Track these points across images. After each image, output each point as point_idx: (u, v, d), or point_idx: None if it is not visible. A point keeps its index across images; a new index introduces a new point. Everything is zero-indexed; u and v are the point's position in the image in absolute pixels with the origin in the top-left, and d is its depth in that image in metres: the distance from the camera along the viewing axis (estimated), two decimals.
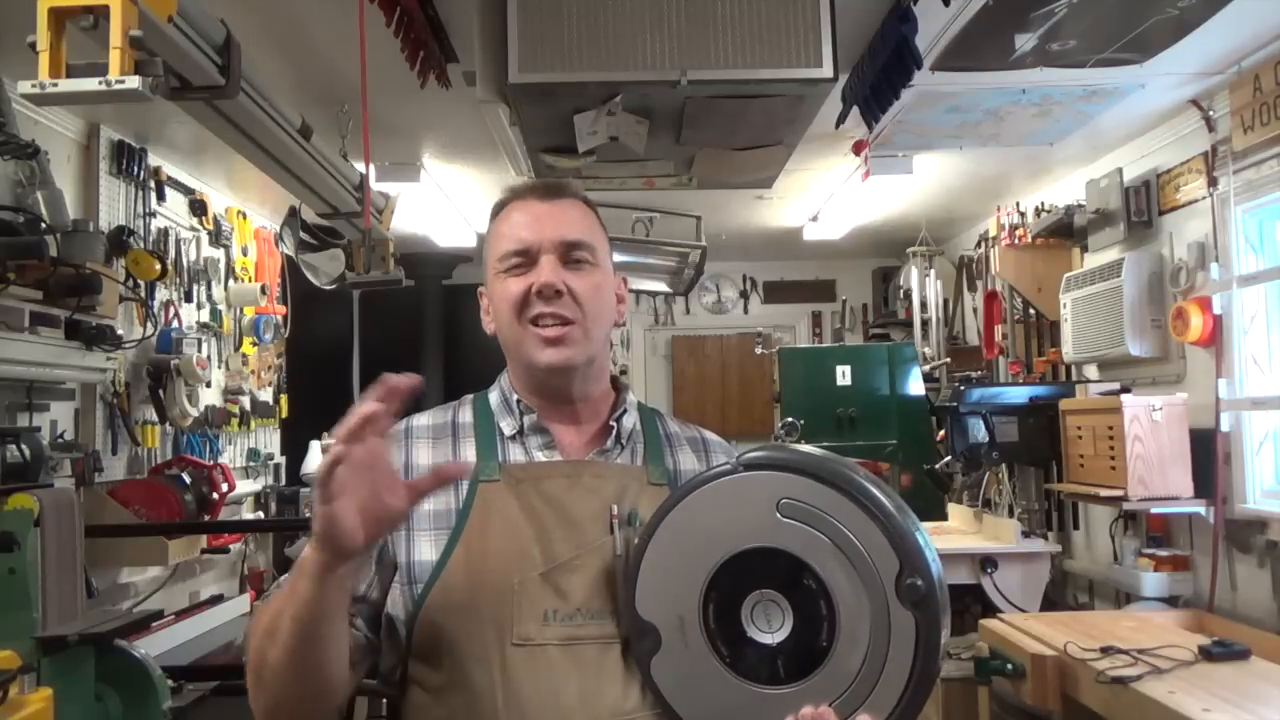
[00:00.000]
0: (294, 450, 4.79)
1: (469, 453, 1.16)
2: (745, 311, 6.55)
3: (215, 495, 3.61)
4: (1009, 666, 2.28)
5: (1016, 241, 4.37)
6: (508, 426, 1.17)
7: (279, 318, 4.55)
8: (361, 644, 1.08)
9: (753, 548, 1.00)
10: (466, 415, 1.21)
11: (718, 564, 1.00)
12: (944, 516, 4.05)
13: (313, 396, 5.04)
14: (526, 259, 1.14)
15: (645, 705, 1.04)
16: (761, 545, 1.00)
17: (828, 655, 0.97)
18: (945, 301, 5.16)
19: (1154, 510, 3.30)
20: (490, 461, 1.14)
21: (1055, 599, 3.81)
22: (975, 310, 5.16)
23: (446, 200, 4.32)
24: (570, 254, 1.14)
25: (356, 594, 1.08)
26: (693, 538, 1.02)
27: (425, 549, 1.09)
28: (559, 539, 1.08)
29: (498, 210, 1.21)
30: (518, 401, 1.18)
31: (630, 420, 1.21)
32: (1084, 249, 4.02)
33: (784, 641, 0.99)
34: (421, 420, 1.20)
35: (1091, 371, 3.95)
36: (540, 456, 1.16)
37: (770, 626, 0.99)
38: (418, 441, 1.17)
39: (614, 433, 1.18)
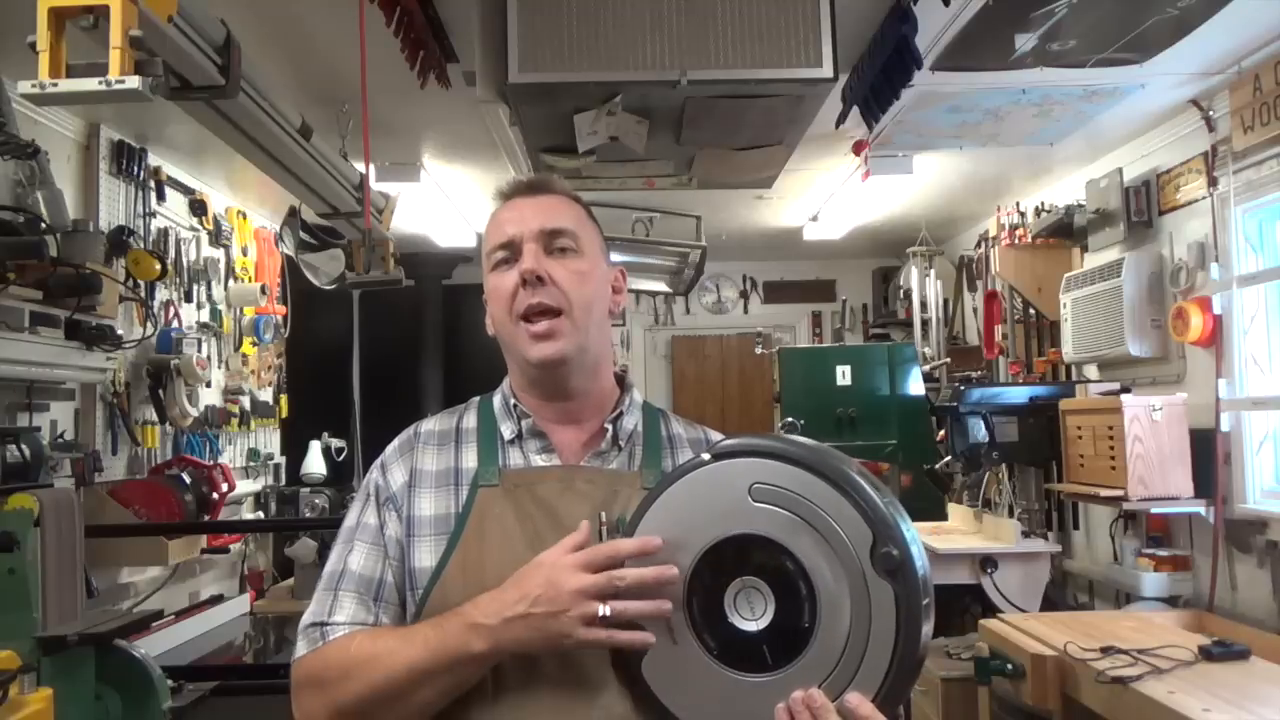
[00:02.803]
0: (294, 450, 4.79)
1: (470, 458, 1.16)
2: (745, 311, 6.55)
3: (215, 495, 3.61)
4: (1009, 666, 2.28)
5: (1016, 241, 4.37)
6: (507, 431, 1.18)
7: (279, 318, 4.55)
8: None
9: (729, 536, 1.00)
10: (471, 420, 1.21)
11: (697, 557, 1.00)
12: (944, 516, 4.05)
13: (313, 396, 5.04)
14: (511, 251, 1.16)
15: (636, 710, 1.04)
16: (737, 533, 1.00)
17: (812, 636, 0.97)
18: (945, 301, 5.16)
19: (1154, 510, 3.30)
20: (490, 467, 1.14)
21: (1055, 599, 3.80)
22: (975, 310, 5.16)
23: (446, 200, 4.32)
24: (552, 242, 1.15)
25: (403, 594, 1.13)
26: (671, 534, 1.01)
27: (425, 555, 1.11)
28: (551, 544, 1.07)
29: (492, 215, 1.22)
30: (515, 405, 1.18)
31: (630, 422, 1.20)
32: (1084, 249, 4.02)
33: (768, 627, 0.99)
34: (428, 425, 1.21)
35: (1091, 371, 3.95)
36: (538, 461, 1.16)
37: (754, 613, 0.99)
38: (425, 448, 1.18)
39: (610, 434, 1.18)
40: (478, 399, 1.24)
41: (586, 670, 1.04)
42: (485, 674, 1.03)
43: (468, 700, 1.03)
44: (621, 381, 1.24)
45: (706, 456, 1.04)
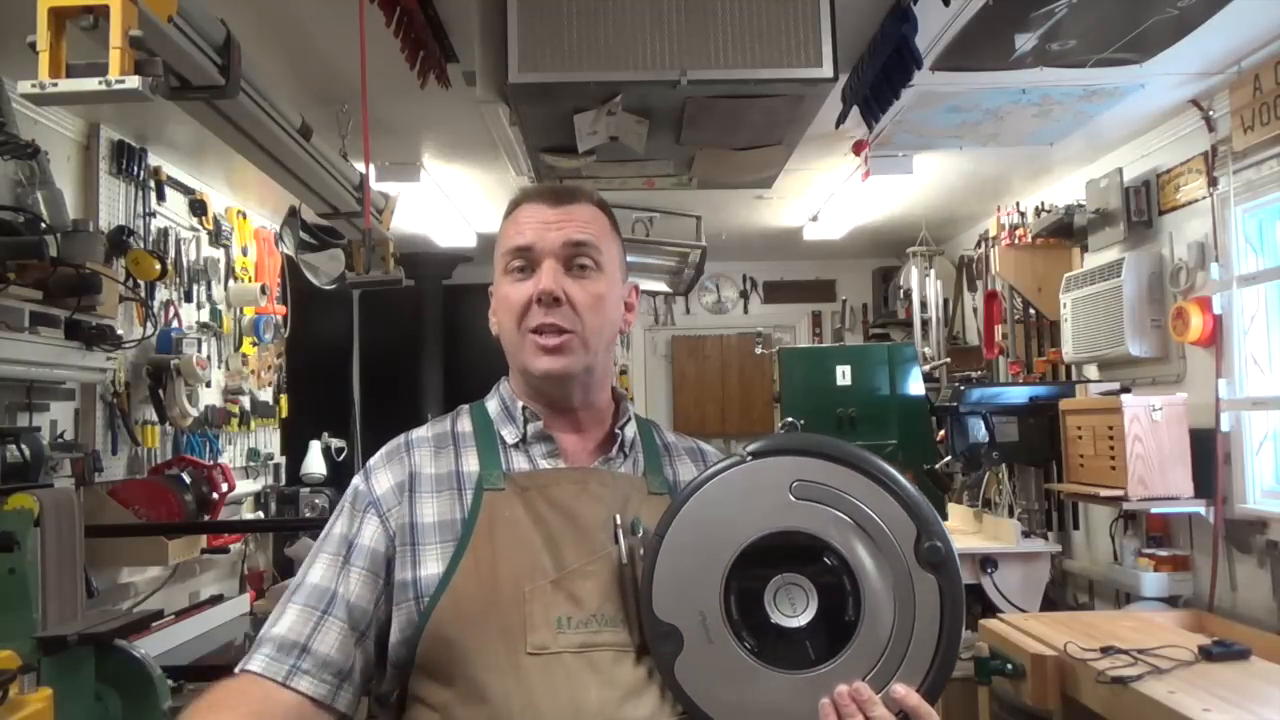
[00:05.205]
0: (294, 450, 4.80)
1: (471, 461, 1.14)
2: (745, 311, 6.55)
3: (215, 495, 3.61)
4: (1009, 666, 2.28)
5: (1016, 241, 4.37)
6: (510, 434, 1.16)
7: (279, 318, 4.55)
8: (371, 662, 1.08)
9: (769, 533, 1.00)
10: (465, 425, 1.19)
11: (736, 554, 1.00)
12: (944, 516, 4.04)
13: (313, 396, 5.04)
14: (528, 261, 1.13)
15: (664, 711, 1.02)
16: (778, 529, 1.00)
17: (856, 630, 0.97)
18: (945, 301, 5.16)
19: (1154, 510, 3.30)
20: (494, 470, 1.12)
21: (1055, 599, 3.81)
22: (975, 310, 5.16)
23: (446, 200, 4.32)
24: (574, 259, 1.13)
25: (369, 607, 1.08)
26: (707, 532, 1.01)
27: (431, 563, 1.07)
28: (569, 545, 1.07)
29: (509, 210, 1.19)
30: (523, 409, 1.16)
31: (631, 430, 1.20)
32: (1084, 249, 4.02)
33: (811, 623, 0.99)
34: (421, 432, 1.19)
35: (1091, 371, 3.95)
36: (545, 464, 1.14)
37: (795, 610, 0.99)
38: (421, 452, 1.16)
39: (619, 441, 1.17)
40: (466, 407, 1.22)
41: (612, 671, 1.02)
42: (506, 679, 1.01)
43: (492, 705, 1.00)
44: (615, 392, 1.23)
45: (740, 456, 1.04)
